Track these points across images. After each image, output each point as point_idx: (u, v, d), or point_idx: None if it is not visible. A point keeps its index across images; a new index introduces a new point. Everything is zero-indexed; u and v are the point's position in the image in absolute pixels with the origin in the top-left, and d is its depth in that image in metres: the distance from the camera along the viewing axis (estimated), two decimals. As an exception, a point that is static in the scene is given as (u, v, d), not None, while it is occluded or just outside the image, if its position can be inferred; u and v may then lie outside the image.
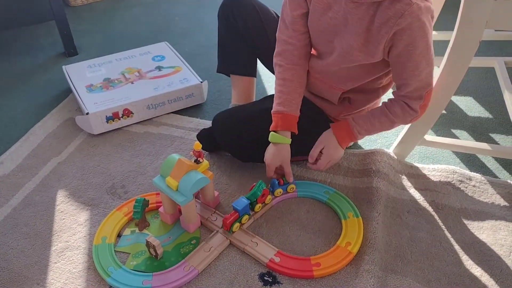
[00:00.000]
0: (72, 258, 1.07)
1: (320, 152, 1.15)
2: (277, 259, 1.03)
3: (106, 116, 1.39)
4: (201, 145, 1.08)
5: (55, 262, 1.06)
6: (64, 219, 1.17)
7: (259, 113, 1.20)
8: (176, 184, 1.05)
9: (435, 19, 1.34)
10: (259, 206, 1.14)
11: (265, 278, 1.01)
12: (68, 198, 1.22)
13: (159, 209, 1.15)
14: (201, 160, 1.09)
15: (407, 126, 1.25)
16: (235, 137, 1.21)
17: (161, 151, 1.36)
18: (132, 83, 1.51)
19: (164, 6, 2.15)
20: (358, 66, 1.08)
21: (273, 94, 1.18)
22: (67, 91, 1.60)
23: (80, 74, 1.55)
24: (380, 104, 1.15)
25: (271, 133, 1.15)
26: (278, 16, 1.29)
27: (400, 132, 1.30)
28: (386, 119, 1.10)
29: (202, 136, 1.30)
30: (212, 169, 1.26)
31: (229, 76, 1.37)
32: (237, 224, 1.09)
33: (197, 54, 1.77)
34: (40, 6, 1.66)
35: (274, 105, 1.16)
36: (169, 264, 1.05)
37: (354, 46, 1.04)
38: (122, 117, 1.42)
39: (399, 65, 1.03)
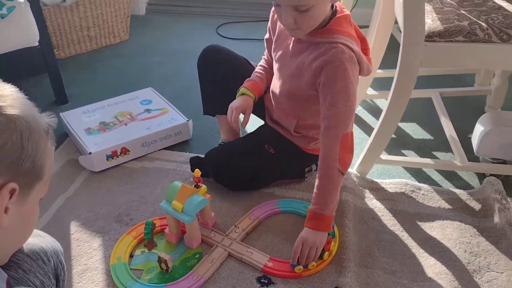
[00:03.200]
0: (92, 278, 1.23)
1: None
2: (270, 264, 1.24)
3: (106, 154, 1.57)
4: (200, 172, 1.29)
5: (78, 282, 1.22)
6: (80, 245, 1.32)
7: (248, 149, 1.44)
8: (181, 206, 1.25)
9: (378, 62, 1.64)
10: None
11: (262, 280, 1.21)
12: (81, 227, 1.38)
13: (165, 231, 1.33)
14: (200, 185, 1.30)
15: (365, 149, 1.51)
16: (227, 172, 1.43)
17: (158, 183, 1.55)
18: (126, 125, 1.70)
19: (141, 57, 2.37)
20: (301, 94, 1.29)
21: (256, 130, 1.43)
22: (63, 136, 1.76)
23: (77, 119, 1.73)
24: None
25: (242, 88, 1.40)
26: (248, 62, 1.56)
27: (360, 154, 1.56)
28: (323, 181, 1.19)
29: (194, 163, 1.51)
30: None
31: (215, 116, 1.61)
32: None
33: (179, 97, 1.98)
34: (35, 61, 1.84)
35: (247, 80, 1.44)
36: (178, 275, 1.23)
37: (294, 74, 1.29)
38: (120, 155, 1.60)
39: (322, 99, 1.20)
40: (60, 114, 1.77)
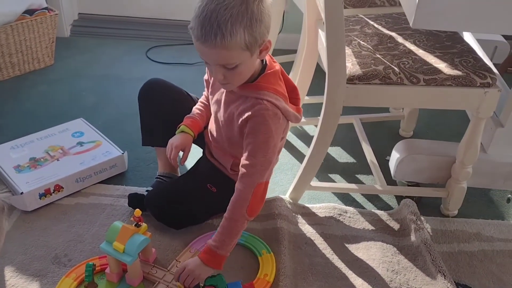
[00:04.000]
0: (31, 326, 1.21)
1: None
2: None
3: (39, 193, 1.54)
4: (140, 212, 1.32)
5: (16, 332, 1.20)
6: (17, 293, 1.30)
7: (191, 191, 1.49)
8: (123, 247, 1.27)
9: (305, 90, 1.76)
10: None
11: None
12: (16, 272, 1.35)
13: (106, 270, 1.34)
14: (141, 224, 1.33)
15: (297, 176, 1.61)
16: (170, 215, 1.48)
17: (95, 219, 1.54)
18: (58, 160, 1.67)
19: (68, 82, 2.31)
20: (234, 138, 1.36)
21: (195, 166, 1.48)
22: (-11, 173, 1.70)
23: (4, 155, 1.67)
24: None
25: (182, 126, 1.45)
26: (188, 95, 1.61)
27: (292, 180, 1.66)
28: (228, 222, 1.25)
29: (133, 200, 1.53)
30: (144, 229, 1.49)
31: (153, 147, 1.64)
32: None
33: (111, 126, 1.97)
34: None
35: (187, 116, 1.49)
36: (123, 315, 1.25)
37: (227, 121, 1.36)
38: (53, 192, 1.58)
39: (244, 147, 1.27)
40: (-16, 150, 1.70)
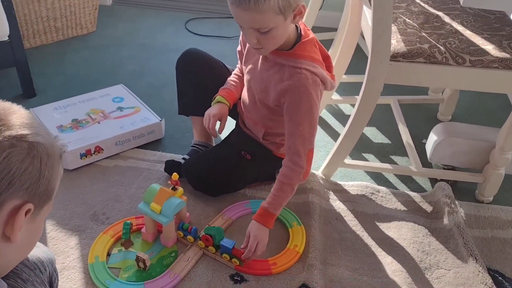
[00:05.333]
0: (70, 276, 1.27)
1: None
2: (242, 263, 1.33)
3: (80, 153, 1.60)
4: (178, 176, 1.35)
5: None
6: (56, 244, 1.36)
7: (227, 158, 1.52)
8: (159, 208, 1.31)
9: (344, 68, 1.74)
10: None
11: (235, 278, 1.30)
12: (57, 226, 1.41)
13: (141, 230, 1.39)
14: (177, 188, 1.36)
15: (331, 152, 1.62)
16: (207, 183, 1.51)
17: (132, 182, 1.59)
18: (99, 123, 1.72)
19: (109, 49, 2.36)
20: (267, 107, 1.38)
21: (229, 136, 1.50)
22: (33, 131, 1.76)
23: (48, 116, 1.73)
24: None
25: (218, 96, 1.46)
26: (225, 66, 1.62)
27: (326, 157, 1.67)
28: (285, 187, 1.30)
29: (170, 166, 1.57)
30: (179, 194, 1.52)
31: (188, 116, 1.67)
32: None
33: (150, 94, 2.01)
34: (3, 54, 1.81)
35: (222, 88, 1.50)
36: (156, 274, 1.29)
37: (258, 89, 1.38)
38: (94, 153, 1.63)
39: (286, 118, 1.29)
40: (30, 109, 1.76)
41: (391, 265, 1.36)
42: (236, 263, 1.31)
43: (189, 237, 1.36)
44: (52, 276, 0.89)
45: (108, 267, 1.30)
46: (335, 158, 1.61)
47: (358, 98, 1.47)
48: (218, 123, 1.46)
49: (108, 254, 1.34)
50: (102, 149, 1.65)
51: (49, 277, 0.88)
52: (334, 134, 1.89)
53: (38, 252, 0.88)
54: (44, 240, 1.36)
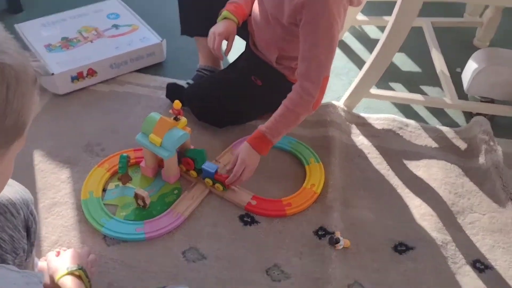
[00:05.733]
0: (61, 213, 1.14)
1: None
2: (253, 202, 1.18)
3: (71, 76, 1.41)
4: (180, 104, 1.17)
5: (46, 218, 1.13)
6: (45, 177, 1.22)
7: (234, 83, 1.33)
8: (160, 141, 1.14)
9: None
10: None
11: (245, 219, 1.16)
12: (46, 157, 1.26)
13: (141, 164, 1.24)
14: (180, 117, 1.19)
15: (356, 81, 1.42)
16: (212, 111, 1.33)
17: (130, 110, 1.42)
18: (92, 42, 1.52)
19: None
20: (279, 26, 1.20)
21: (239, 59, 1.30)
22: (19, 50, 1.57)
23: (36, 33, 1.53)
24: None
25: (224, 11, 1.27)
26: None
27: (347, 87, 1.48)
28: (290, 114, 1.15)
29: (172, 90, 1.39)
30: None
31: (193, 37, 1.45)
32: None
33: (149, 11, 1.79)
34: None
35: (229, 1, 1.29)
36: (156, 212, 1.16)
37: (270, 4, 1.18)
38: (86, 76, 1.45)
39: (302, 38, 1.12)
40: (15, 25, 1.55)
41: (419, 208, 1.22)
42: (220, 189, 1.18)
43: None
44: (28, 220, 0.75)
45: (104, 204, 1.16)
46: (359, 87, 1.41)
47: (392, 17, 1.25)
48: (224, 42, 1.25)
49: (104, 190, 1.20)
50: (96, 72, 1.46)
51: (24, 221, 0.74)
52: (357, 60, 1.68)
53: (10, 192, 0.73)
54: (31, 173, 1.22)
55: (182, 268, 1.05)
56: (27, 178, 1.20)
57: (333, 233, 1.13)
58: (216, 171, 1.18)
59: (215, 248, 1.09)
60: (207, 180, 1.20)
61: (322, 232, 1.14)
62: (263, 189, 1.23)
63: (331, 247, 1.11)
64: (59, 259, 0.94)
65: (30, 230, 0.74)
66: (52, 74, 1.38)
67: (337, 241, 1.10)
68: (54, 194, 1.18)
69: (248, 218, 1.16)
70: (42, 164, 1.24)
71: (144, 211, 1.16)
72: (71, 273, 0.89)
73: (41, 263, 0.97)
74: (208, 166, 1.18)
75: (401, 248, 1.13)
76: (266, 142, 1.17)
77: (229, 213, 1.17)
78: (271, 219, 1.16)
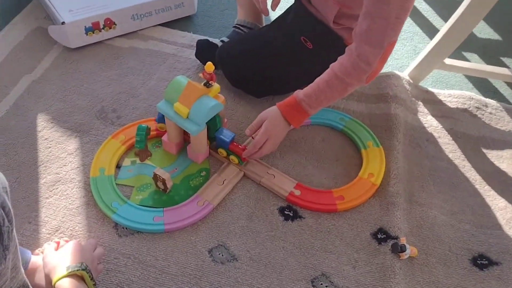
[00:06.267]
0: (66, 192, 0.95)
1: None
2: (297, 192, 0.96)
3: (85, 26, 1.19)
4: (213, 66, 0.94)
5: (47, 197, 0.93)
6: (50, 147, 1.02)
7: (280, 44, 1.08)
8: (186, 111, 0.92)
9: None
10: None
11: (286, 212, 0.95)
12: (52, 123, 1.06)
13: (163, 138, 1.02)
14: (212, 83, 0.96)
15: (427, 48, 1.16)
16: (249, 76, 1.09)
17: (153, 70, 1.20)
18: (111, -13, 1.29)
19: None
20: None
21: (287, 14, 1.04)
22: (28, -5, 1.35)
23: (45, -26, 1.30)
24: None
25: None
26: None
27: (411, 54, 1.21)
28: (336, 82, 0.92)
29: (202, 49, 1.16)
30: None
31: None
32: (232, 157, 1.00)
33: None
34: None
35: None
36: (179, 198, 0.95)
37: None
38: (103, 28, 1.22)
39: None
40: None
41: (504, 212, 0.98)
42: (235, 162, 0.99)
43: (220, 150, 1.00)
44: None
45: (117, 184, 0.96)
46: (431, 56, 1.15)
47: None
48: None
49: (118, 167, 1.00)
50: (114, 23, 1.24)
51: None
52: (423, 23, 1.42)
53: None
54: (33, 141, 1.02)
55: (207, 271, 0.85)
56: (28, 147, 1.01)
57: (397, 238, 0.91)
58: (232, 140, 0.97)
59: (249, 247, 0.89)
60: (221, 150, 1.00)
61: (382, 235, 0.92)
62: (310, 176, 1.01)
63: (395, 256, 0.89)
64: (57, 254, 0.75)
65: (2, 230, 0.54)
66: (63, 23, 1.16)
67: (403, 249, 0.88)
68: (59, 168, 0.98)
69: (290, 212, 0.95)
70: (46, 131, 1.04)
71: (164, 195, 0.95)
72: (71, 274, 0.70)
73: (35, 258, 0.78)
74: (223, 133, 0.98)
75: (482, 261, 0.90)
76: (300, 111, 0.96)
77: (267, 203, 0.96)
78: (319, 214, 0.94)
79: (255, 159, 1.00)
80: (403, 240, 0.89)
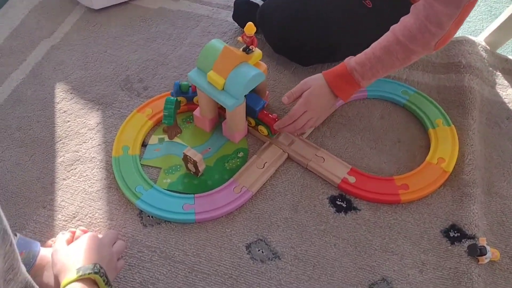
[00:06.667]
0: (85, 173, 0.83)
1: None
2: (351, 179, 0.81)
3: (110, -16, 1.06)
4: (255, 28, 0.79)
5: (64, 179, 0.82)
6: (69, 121, 0.90)
7: (329, 4, 0.91)
8: (222, 82, 0.77)
9: None
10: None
11: (338, 202, 0.80)
12: (71, 94, 0.94)
13: (194, 112, 0.89)
14: (253, 49, 0.81)
15: (509, 9, 0.96)
16: (297, 39, 0.93)
17: (185, 35, 1.06)
18: None
19: None
20: None
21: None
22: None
23: None
24: None
25: None
26: None
27: (487, 16, 1.02)
28: (398, 47, 0.76)
29: (239, 11, 1.01)
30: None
31: None
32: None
33: None
34: None
35: None
36: (213, 183, 0.82)
37: None
38: (129, -13, 1.08)
39: None
40: None
41: None
42: (264, 133, 0.87)
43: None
44: None
45: (142, 165, 0.84)
46: (515, 17, 0.96)
47: None
48: None
49: (144, 145, 0.87)
50: (142, -19, 1.09)
51: None
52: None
53: None
54: (51, 114, 0.90)
55: (245, 270, 0.72)
56: (44, 121, 0.90)
57: (474, 237, 0.75)
58: (262, 108, 0.84)
59: (294, 244, 0.75)
60: (249, 119, 0.87)
61: (456, 234, 0.76)
62: (366, 160, 0.85)
63: (472, 260, 0.73)
64: (69, 250, 0.64)
65: None
66: (84, -20, 1.03)
67: (483, 251, 0.72)
68: (78, 146, 0.86)
69: (342, 202, 0.80)
70: (65, 103, 0.93)
71: (195, 179, 0.82)
72: (83, 278, 0.58)
73: (45, 252, 0.67)
74: (252, 100, 0.83)
75: None
76: (350, 82, 0.81)
77: (315, 192, 0.81)
78: (378, 206, 0.79)
79: (293, 134, 0.86)
80: (482, 241, 0.73)
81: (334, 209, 0.79)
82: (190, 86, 0.88)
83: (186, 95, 0.89)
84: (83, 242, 0.64)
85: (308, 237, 0.76)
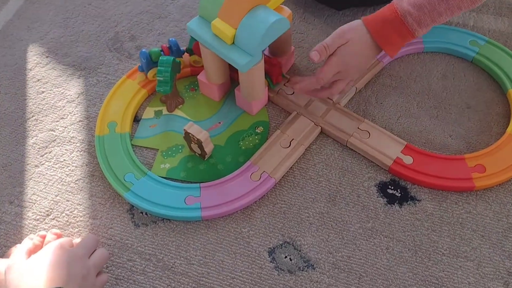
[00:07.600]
0: (62, 158, 0.65)
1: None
2: (407, 159, 0.61)
3: None
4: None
5: (36, 166, 0.65)
6: (43, 92, 0.72)
7: None
8: (232, 33, 0.57)
9: None
10: None
11: (389, 191, 0.61)
12: (47, 57, 0.76)
13: (198, 76, 0.69)
14: (273, -13, 0.60)
15: None
16: None
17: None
18: None
19: None
20: None
21: None
22: None
23: None
24: None
25: None
26: None
27: None
28: None
29: None
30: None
31: None
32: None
33: None
34: None
35: None
36: (224, 168, 0.63)
37: None
38: None
39: None
40: None
41: None
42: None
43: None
44: None
45: (133, 146, 0.65)
46: None
47: None
48: None
49: (136, 120, 0.69)
50: None
51: None
52: None
53: None
54: (22, 82, 0.72)
55: (268, 283, 0.55)
56: (13, 93, 0.72)
57: None
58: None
59: (332, 248, 0.57)
60: None
61: (554, 234, 0.56)
62: (425, 133, 0.65)
63: None
64: (27, 266, 0.47)
65: None
66: None
67: None
68: (54, 123, 0.69)
69: (396, 190, 0.60)
70: (39, 69, 0.74)
71: (202, 164, 0.64)
72: None
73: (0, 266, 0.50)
74: None
75: None
76: (401, 30, 0.61)
77: (360, 177, 0.62)
78: (444, 195, 0.60)
79: (316, 96, 0.66)
80: None
81: (385, 199, 0.60)
82: (162, 51, 0.68)
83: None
84: (47, 255, 0.48)
85: (350, 238, 0.57)
